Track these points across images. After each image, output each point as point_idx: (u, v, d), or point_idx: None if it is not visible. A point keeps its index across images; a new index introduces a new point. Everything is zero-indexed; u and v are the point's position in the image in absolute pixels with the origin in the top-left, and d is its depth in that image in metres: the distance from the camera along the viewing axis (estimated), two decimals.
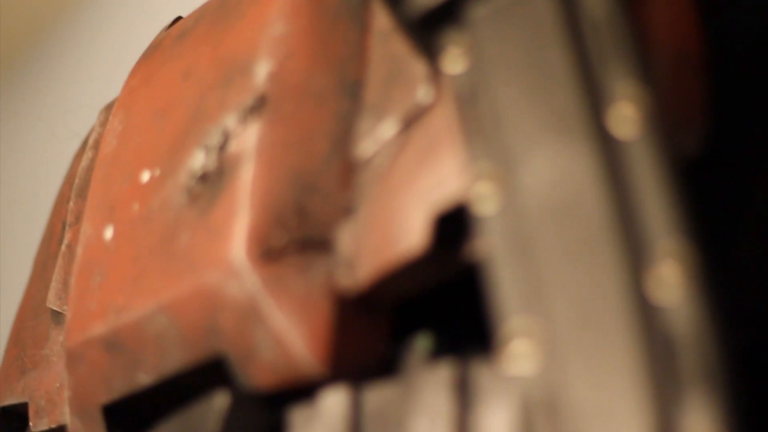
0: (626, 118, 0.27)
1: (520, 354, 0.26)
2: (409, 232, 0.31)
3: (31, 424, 0.40)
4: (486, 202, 0.28)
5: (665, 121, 0.28)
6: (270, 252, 0.32)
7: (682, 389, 0.25)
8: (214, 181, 0.34)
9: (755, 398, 0.29)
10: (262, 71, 0.35)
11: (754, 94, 0.34)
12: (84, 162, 0.43)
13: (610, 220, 0.26)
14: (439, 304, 0.34)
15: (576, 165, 0.27)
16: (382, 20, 0.35)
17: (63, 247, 0.41)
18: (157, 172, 0.36)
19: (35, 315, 0.43)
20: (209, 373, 0.34)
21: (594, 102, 0.28)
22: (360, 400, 0.31)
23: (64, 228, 0.43)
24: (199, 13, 0.40)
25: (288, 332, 0.32)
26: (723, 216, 0.33)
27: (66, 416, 0.38)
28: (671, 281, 0.25)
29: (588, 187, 0.27)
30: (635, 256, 0.26)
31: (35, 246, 0.46)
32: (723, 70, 0.32)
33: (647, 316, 0.25)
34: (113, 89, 0.44)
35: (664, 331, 0.25)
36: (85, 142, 0.45)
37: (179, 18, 0.42)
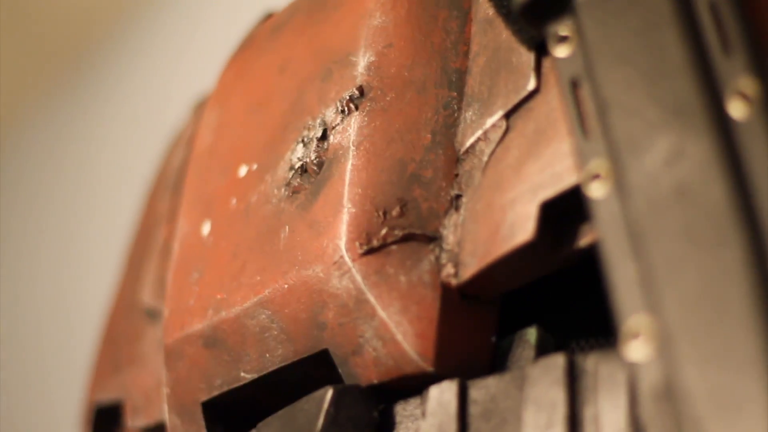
0: (743, 101, 0.26)
1: (637, 340, 0.26)
2: (520, 223, 0.30)
3: (128, 421, 0.40)
4: (600, 186, 0.28)
5: None
6: (373, 245, 0.32)
7: None
8: (314, 175, 0.34)
9: None
10: (361, 62, 0.35)
11: None
12: (177, 158, 0.43)
13: (731, 202, 0.26)
14: (547, 296, 0.33)
15: (693, 146, 0.26)
16: (483, 8, 0.35)
17: (158, 244, 0.41)
18: (255, 167, 0.36)
19: (129, 312, 0.43)
20: (313, 368, 0.33)
21: (711, 87, 0.27)
22: (468, 394, 0.31)
23: (157, 225, 0.43)
24: (294, 6, 0.39)
25: (393, 326, 0.31)
26: None
27: (163, 413, 0.38)
28: None
29: (706, 167, 0.26)
30: (759, 242, 0.25)
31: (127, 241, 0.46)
32: None
33: None
34: (204, 85, 0.44)
35: None
36: (177, 139, 0.45)
37: (271, 15, 0.42)
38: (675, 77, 0.27)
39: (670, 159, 0.27)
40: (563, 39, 0.30)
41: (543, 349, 0.31)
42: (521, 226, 0.30)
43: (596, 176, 0.28)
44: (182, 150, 0.43)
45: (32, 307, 0.92)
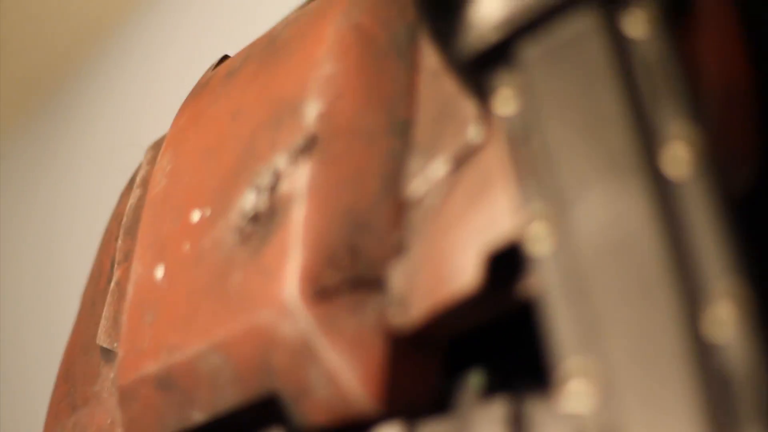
0: (679, 158, 0.27)
1: (577, 392, 0.27)
2: (462, 271, 0.31)
3: None
4: (540, 243, 0.28)
5: (718, 160, 0.28)
6: (322, 291, 0.33)
7: (740, 427, 0.25)
8: (265, 221, 0.35)
9: None
10: (312, 111, 0.35)
11: None
12: (132, 200, 0.43)
13: (665, 260, 0.26)
14: (492, 340, 0.34)
15: (630, 206, 0.27)
16: (431, 59, 0.35)
17: (112, 285, 0.42)
18: (208, 212, 0.37)
19: (85, 352, 0.43)
20: (262, 412, 0.34)
21: (647, 142, 0.28)
22: None
23: (113, 266, 0.43)
24: (248, 52, 0.40)
25: (341, 370, 0.32)
26: None
27: None
28: (727, 321, 0.25)
29: (642, 228, 0.27)
30: (691, 296, 0.26)
31: (84, 280, 0.47)
32: None
33: (704, 356, 0.25)
34: (159, 127, 0.44)
35: (720, 370, 0.25)
36: (132, 180, 0.46)
37: (226, 56, 0.42)
38: (613, 136, 0.28)
39: (608, 215, 0.27)
40: (507, 93, 0.30)
41: (486, 393, 0.32)
42: (464, 275, 0.31)
43: (536, 228, 0.29)
44: (138, 191, 0.44)
45: None
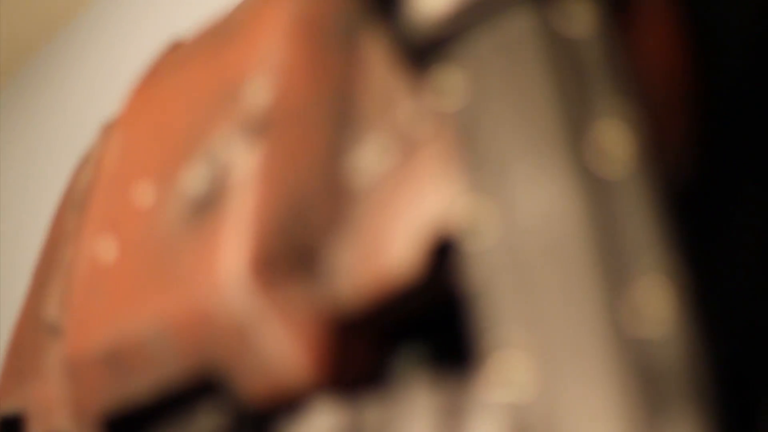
0: (614, 155, 0.28)
1: (509, 381, 0.27)
2: (401, 253, 0.32)
3: None
4: (474, 235, 0.29)
5: (653, 157, 0.29)
6: (264, 269, 0.33)
7: (666, 413, 0.25)
8: (211, 200, 0.35)
9: (741, 412, 0.30)
10: (258, 95, 0.36)
11: (741, 116, 0.34)
12: (84, 178, 0.44)
13: (592, 253, 0.27)
14: (432, 317, 0.35)
15: (561, 203, 0.28)
16: (379, 45, 0.36)
17: (64, 261, 0.42)
18: (156, 190, 0.37)
19: (34, 327, 0.44)
20: (204, 389, 0.35)
21: (584, 143, 0.28)
22: (349, 416, 0.32)
23: (63, 242, 0.44)
24: (200, 35, 0.40)
25: (281, 348, 0.33)
26: (709, 233, 0.34)
27: (62, 427, 0.39)
28: (651, 312, 0.26)
29: (571, 224, 0.28)
30: (614, 288, 0.27)
31: (34, 260, 0.47)
32: (711, 95, 0.33)
33: (625, 347, 0.26)
34: (112, 107, 0.45)
35: (644, 360, 0.26)
36: (85, 159, 0.46)
37: (179, 42, 0.43)
38: (548, 133, 0.29)
39: (541, 213, 0.28)
40: (448, 82, 0.31)
41: (425, 369, 0.33)
42: (402, 257, 0.32)
43: (470, 217, 0.29)
44: (90, 170, 0.44)
45: None
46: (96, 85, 0.85)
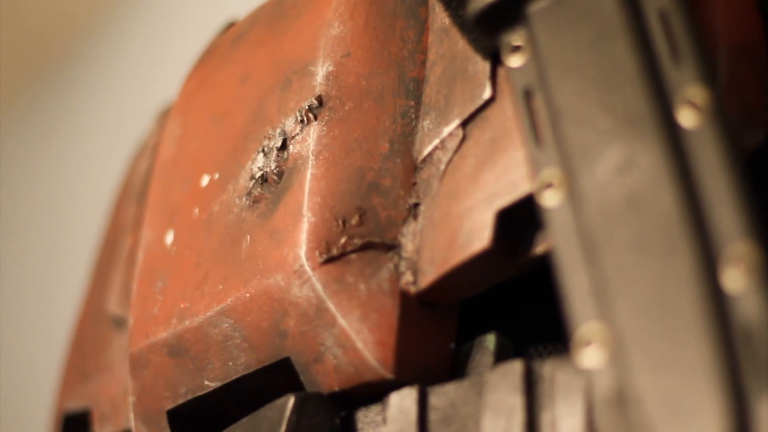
0: (693, 110, 0.27)
1: (591, 348, 0.26)
2: (476, 230, 0.31)
3: (95, 429, 0.41)
4: (553, 195, 0.28)
5: (729, 112, 0.28)
6: (332, 254, 0.32)
7: (760, 378, 0.24)
8: (274, 184, 0.34)
9: None
10: (320, 72, 0.35)
11: None
12: (142, 167, 0.43)
13: (681, 211, 0.26)
14: (504, 303, 0.34)
15: (644, 155, 0.27)
16: (439, 17, 0.35)
17: (124, 252, 0.42)
18: (217, 176, 0.36)
19: (96, 320, 0.43)
20: (275, 376, 0.34)
21: (662, 97, 0.27)
22: (428, 401, 0.31)
23: (123, 233, 0.43)
24: (255, 16, 0.39)
25: (353, 335, 0.32)
26: None
27: (130, 422, 0.38)
28: (743, 276, 0.25)
29: (657, 176, 0.26)
30: (708, 250, 0.26)
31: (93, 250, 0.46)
32: None
33: (723, 308, 0.25)
34: (170, 93, 0.44)
35: (739, 321, 0.25)
36: (141, 147, 0.45)
37: (232, 24, 0.42)
38: (626, 87, 0.28)
39: (621, 168, 0.27)
40: (516, 48, 0.30)
41: (501, 356, 0.32)
42: (478, 235, 0.31)
43: (549, 185, 0.28)
44: (147, 158, 0.43)
45: (1, 313, 0.92)
46: (144, 70, 0.85)
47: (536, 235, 0.31)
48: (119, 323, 0.41)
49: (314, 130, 0.34)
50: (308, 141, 0.34)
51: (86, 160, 0.89)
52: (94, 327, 0.43)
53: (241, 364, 0.34)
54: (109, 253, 0.44)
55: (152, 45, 0.86)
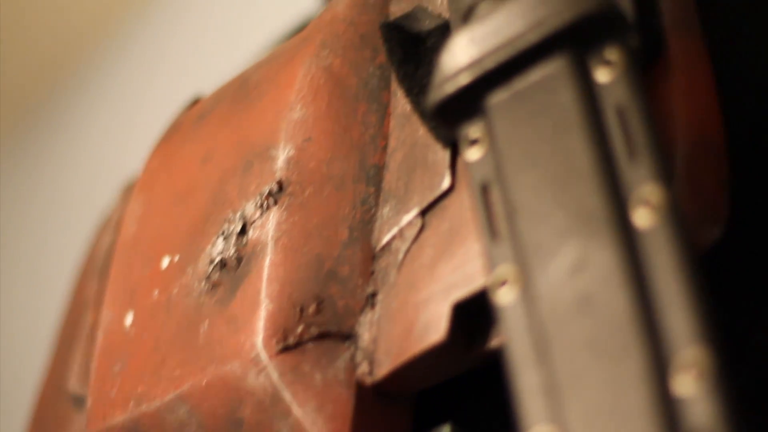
0: (648, 209, 0.27)
1: None
2: (432, 322, 0.30)
3: None
4: (507, 292, 0.28)
5: (685, 212, 0.28)
6: (289, 343, 0.32)
7: None
8: (233, 270, 0.34)
9: None
10: (280, 156, 0.35)
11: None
12: (105, 242, 0.43)
13: (633, 313, 0.26)
14: (461, 392, 0.33)
15: (597, 255, 0.27)
16: (401, 103, 0.35)
17: (86, 329, 0.41)
18: (177, 258, 0.36)
19: (57, 398, 0.42)
20: None
21: (617, 195, 0.27)
22: None
23: (85, 309, 0.43)
24: (220, 94, 0.39)
25: (308, 424, 0.31)
26: (744, 294, 0.33)
27: None
28: (694, 381, 0.25)
29: (609, 277, 0.26)
30: (660, 354, 0.25)
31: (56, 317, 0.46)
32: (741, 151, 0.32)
33: (673, 413, 0.25)
34: (134, 165, 0.44)
35: (689, 427, 0.25)
36: (106, 221, 0.45)
37: (198, 100, 0.42)
38: (581, 184, 0.28)
39: (574, 267, 0.27)
40: (474, 141, 0.30)
41: None
42: (434, 327, 0.30)
43: (504, 282, 0.28)
44: (110, 233, 0.43)
45: None
46: (109, 140, 0.85)
47: (492, 328, 0.30)
48: (79, 402, 0.41)
49: (274, 215, 0.34)
50: (267, 227, 0.34)
51: (50, 231, 0.88)
52: (54, 405, 0.42)
53: None
54: (71, 329, 0.44)
55: (119, 115, 0.86)
